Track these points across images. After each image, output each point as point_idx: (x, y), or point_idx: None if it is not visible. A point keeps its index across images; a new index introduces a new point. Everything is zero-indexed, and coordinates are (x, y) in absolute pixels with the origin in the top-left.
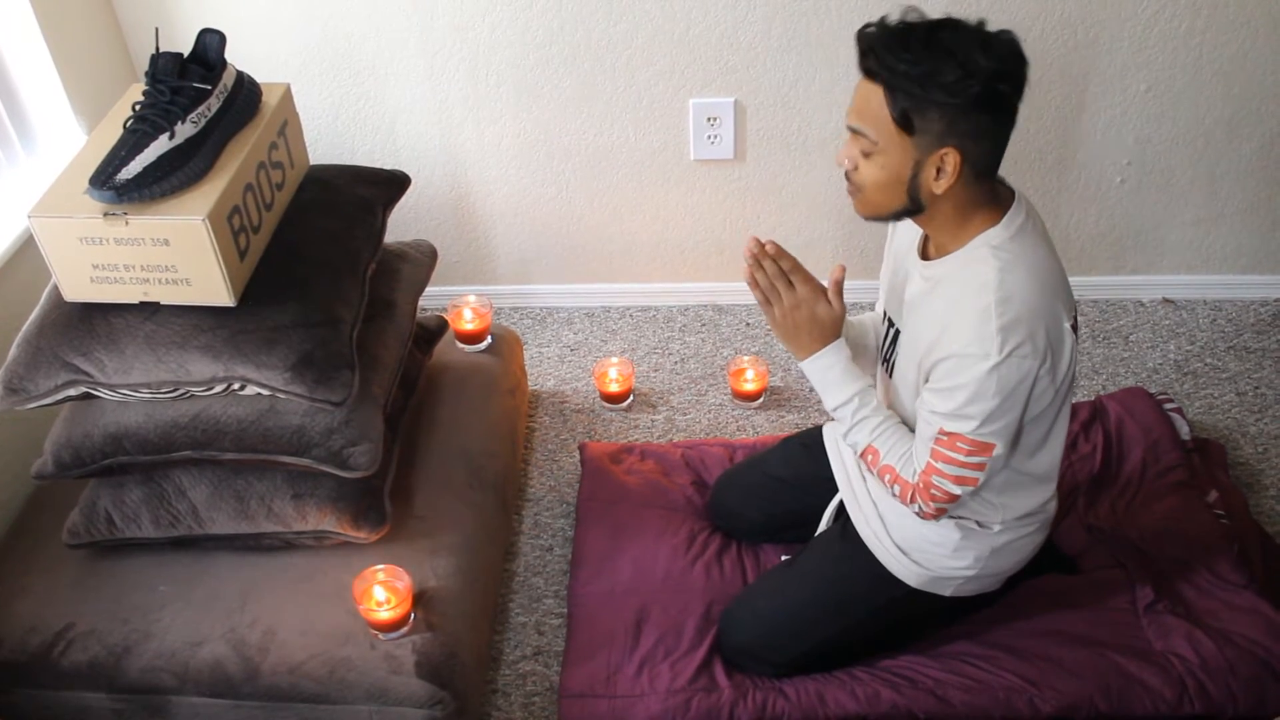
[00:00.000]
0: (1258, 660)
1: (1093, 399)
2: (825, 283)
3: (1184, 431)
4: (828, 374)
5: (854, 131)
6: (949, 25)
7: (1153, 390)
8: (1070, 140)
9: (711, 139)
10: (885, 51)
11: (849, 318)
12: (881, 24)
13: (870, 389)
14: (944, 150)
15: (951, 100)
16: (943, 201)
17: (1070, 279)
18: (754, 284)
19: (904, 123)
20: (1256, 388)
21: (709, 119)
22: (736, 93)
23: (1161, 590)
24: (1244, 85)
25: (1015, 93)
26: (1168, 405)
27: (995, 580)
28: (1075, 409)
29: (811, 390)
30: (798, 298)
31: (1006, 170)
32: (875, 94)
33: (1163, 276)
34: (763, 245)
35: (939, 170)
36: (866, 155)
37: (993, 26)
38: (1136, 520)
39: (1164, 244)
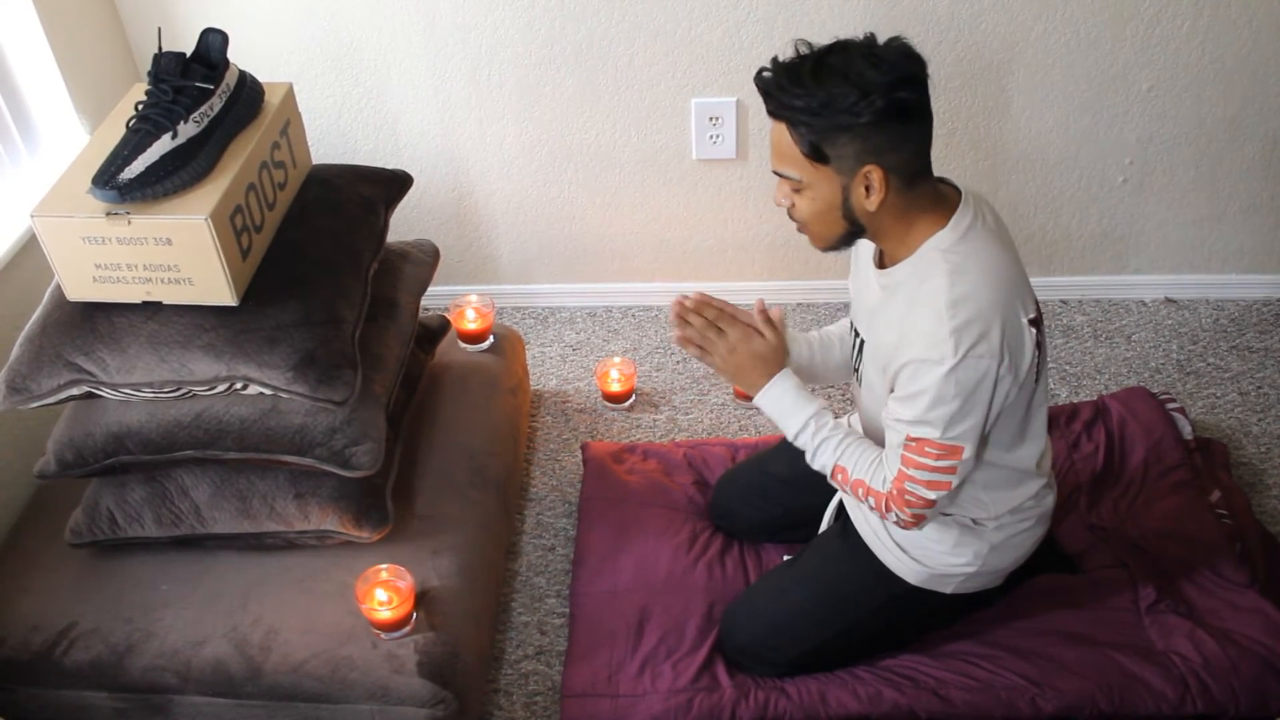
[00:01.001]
0: (1260, 660)
1: (1095, 399)
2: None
3: (1186, 431)
4: (780, 404)
5: (779, 174)
6: (836, 49)
7: (1155, 390)
8: (1072, 139)
9: (713, 139)
10: (779, 91)
11: (812, 332)
12: (774, 64)
13: (825, 410)
14: (865, 169)
15: (856, 121)
16: (882, 215)
17: (1072, 278)
18: (685, 341)
19: (816, 155)
20: (1259, 387)
21: (711, 118)
22: (738, 92)
23: (1164, 590)
24: (1246, 84)
25: (918, 96)
26: (1170, 405)
27: (996, 577)
28: (1078, 409)
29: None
30: (731, 341)
31: (1007, 170)
32: (784, 134)
33: (1165, 276)
34: (683, 303)
35: (867, 189)
36: (797, 192)
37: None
38: (1138, 520)
39: (1166, 243)
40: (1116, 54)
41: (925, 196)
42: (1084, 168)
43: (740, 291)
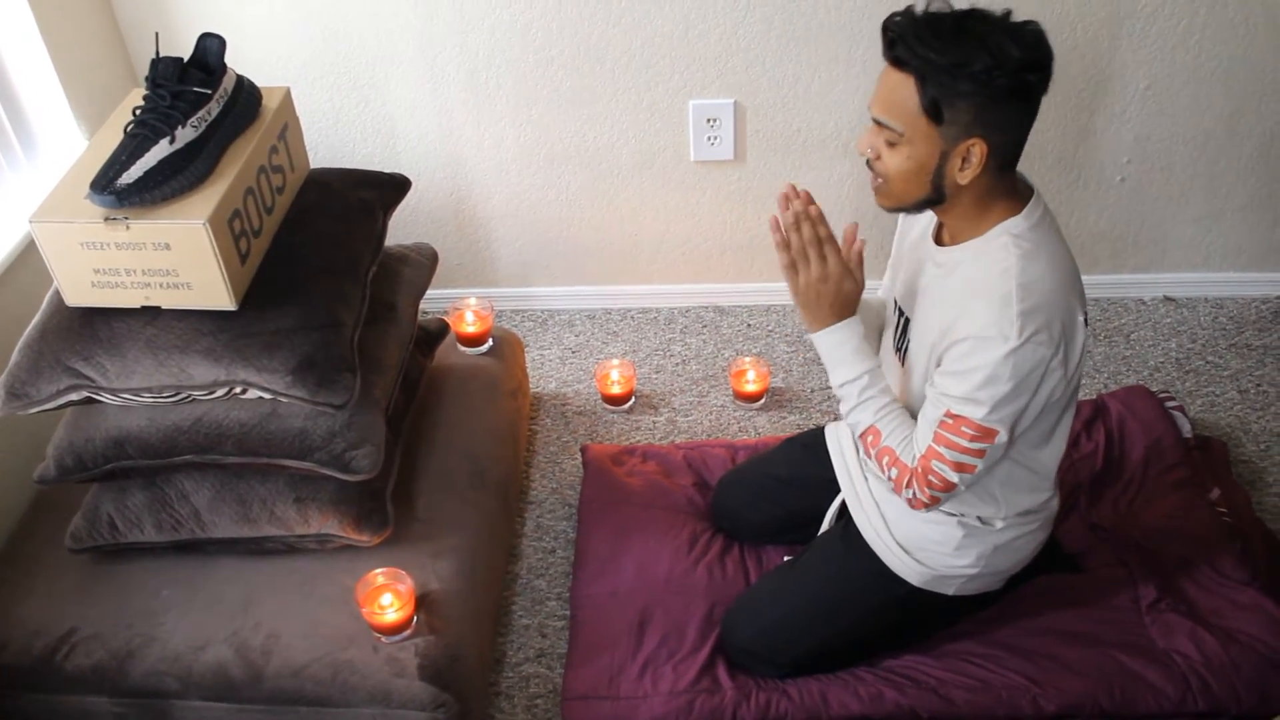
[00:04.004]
0: (1261, 658)
1: (1094, 397)
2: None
3: (1186, 429)
4: (841, 349)
5: (878, 122)
6: (976, 15)
7: (1154, 388)
8: (1070, 139)
9: (711, 140)
10: (915, 40)
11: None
12: (909, 13)
13: (879, 370)
14: (970, 141)
15: (981, 90)
16: (966, 192)
17: None
18: (783, 245)
19: (933, 112)
20: (1258, 385)
21: (709, 120)
22: (736, 94)
23: (1164, 588)
24: (1244, 83)
25: (1042, 83)
26: (1169, 403)
27: (998, 579)
28: (1078, 407)
29: (813, 391)
30: (827, 270)
31: None
32: (903, 84)
33: (1164, 274)
34: (808, 205)
35: (964, 160)
36: (891, 145)
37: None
38: (1139, 518)
39: (1165, 242)
40: (1114, 52)
41: (1007, 184)
42: (1081, 167)
43: (740, 293)
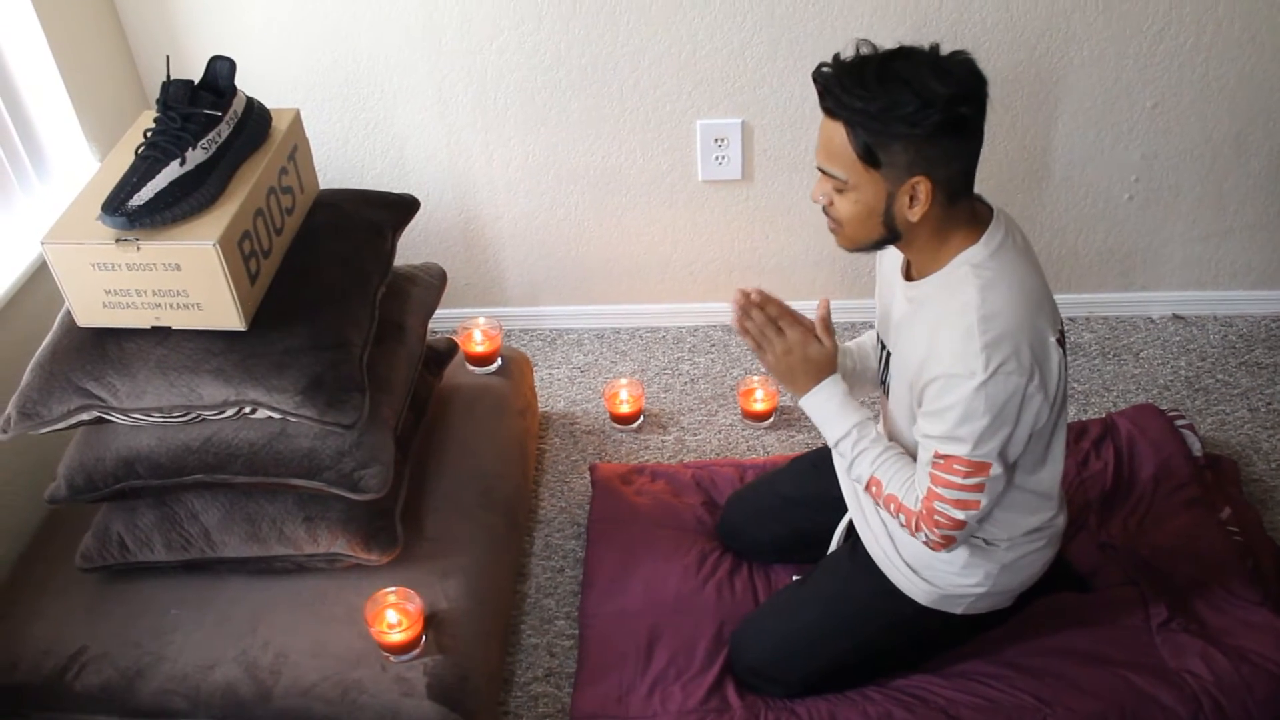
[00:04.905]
0: (1274, 678)
1: (1103, 416)
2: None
3: (1196, 448)
4: (825, 408)
5: (823, 171)
6: (902, 55)
7: (1164, 407)
8: (1077, 157)
9: (719, 160)
10: (841, 90)
11: (852, 342)
12: (836, 61)
13: (869, 421)
14: (914, 180)
15: (913, 131)
16: (920, 227)
17: (1079, 296)
18: (744, 332)
19: (869, 158)
20: (1269, 403)
21: (716, 140)
22: (744, 113)
23: (1175, 608)
24: (1250, 100)
25: (977, 113)
26: (1179, 422)
27: (1006, 597)
28: (1086, 426)
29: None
30: (788, 342)
31: (1013, 188)
32: (838, 132)
33: (1172, 292)
34: (748, 295)
35: (911, 199)
36: (840, 192)
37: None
38: (1149, 537)
39: (1173, 260)
40: (1120, 71)
41: (963, 212)
42: (1089, 185)
43: None
